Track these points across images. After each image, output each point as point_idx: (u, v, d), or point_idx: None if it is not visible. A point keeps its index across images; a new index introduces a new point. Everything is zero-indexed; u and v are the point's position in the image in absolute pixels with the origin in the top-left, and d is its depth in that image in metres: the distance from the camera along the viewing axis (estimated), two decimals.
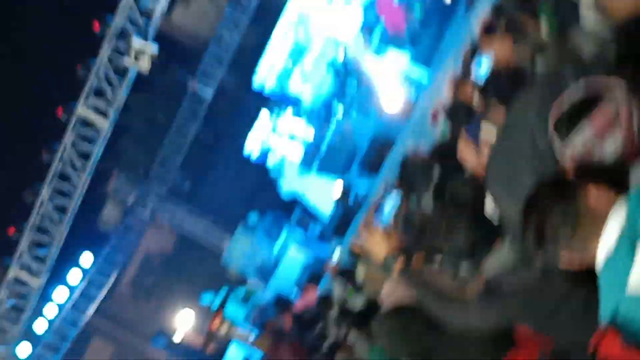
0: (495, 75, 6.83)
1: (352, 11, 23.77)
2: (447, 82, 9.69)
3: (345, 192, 18.15)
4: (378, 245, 5.28)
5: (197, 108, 26.54)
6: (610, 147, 3.35)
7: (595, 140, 3.37)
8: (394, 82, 20.71)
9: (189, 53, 26.70)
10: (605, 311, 2.94)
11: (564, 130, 3.43)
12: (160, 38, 21.03)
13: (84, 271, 26.73)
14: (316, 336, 10.10)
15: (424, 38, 20.41)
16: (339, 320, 8.91)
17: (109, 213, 28.96)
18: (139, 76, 20.61)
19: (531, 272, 4.36)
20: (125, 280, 30.04)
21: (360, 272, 7.60)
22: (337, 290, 9.46)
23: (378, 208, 5.32)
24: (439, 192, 5.74)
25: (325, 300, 10.28)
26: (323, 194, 22.03)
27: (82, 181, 21.51)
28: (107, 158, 26.90)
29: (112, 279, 27.96)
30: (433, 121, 9.47)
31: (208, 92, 26.21)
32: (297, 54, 25.28)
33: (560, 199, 3.14)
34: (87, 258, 26.70)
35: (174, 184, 27.68)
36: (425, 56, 20.01)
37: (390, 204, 5.20)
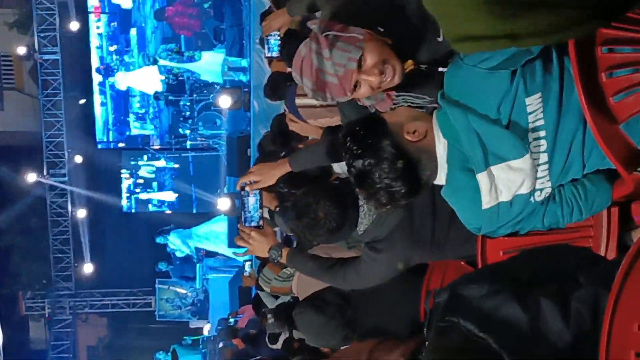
0: (285, 43, 7.02)
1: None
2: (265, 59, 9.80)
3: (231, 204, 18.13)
4: (258, 246, 5.36)
5: (61, 194, 26.22)
6: None
7: None
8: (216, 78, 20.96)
9: (28, 152, 26.31)
10: (470, 225, 3.40)
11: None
12: None
13: None
14: (268, 342, 10.12)
15: (227, 31, 20.61)
16: (277, 322, 9.02)
17: (35, 332, 28.65)
18: None
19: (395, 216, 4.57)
20: None
21: (265, 287, 7.73)
22: (265, 299, 9.53)
23: (244, 214, 5.36)
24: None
25: (259, 309, 10.36)
26: (214, 236, 22.24)
27: None
28: (5, 285, 26.61)
29: None
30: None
31: (63, 177, 25.92)
32: (123, 101, 25.31)
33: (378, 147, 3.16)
34: None
35: (77, 276, 27.37)
36: (237, 47, 20.18)
37: (252, 202, 5.25)
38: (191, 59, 23.24)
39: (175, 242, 23.93)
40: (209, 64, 22.19)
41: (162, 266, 25.14)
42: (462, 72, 3.04)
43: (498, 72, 2.94)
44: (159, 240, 24.23)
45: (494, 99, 2.99)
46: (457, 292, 2.54)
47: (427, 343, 2.56)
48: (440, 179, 3.25)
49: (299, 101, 5.35)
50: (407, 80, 3.72)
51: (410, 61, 3.71)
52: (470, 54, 2.99)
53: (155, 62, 23.91)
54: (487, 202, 3.17)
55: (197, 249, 23.75)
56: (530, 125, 3.01)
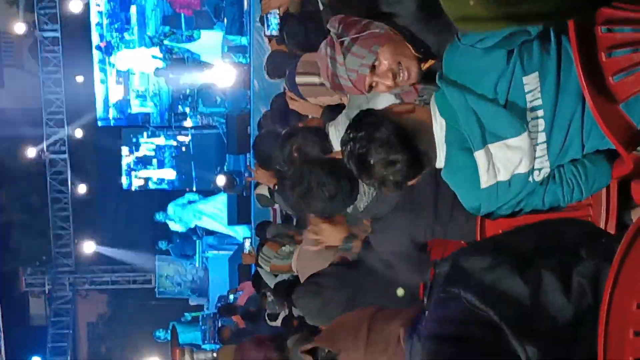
0: (284, 24, 7.04)
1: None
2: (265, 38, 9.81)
3: (230, 181, 18.15)
4: (330, 236, 5.35)
5: (61, 172, 26.18)
6: None
7: None
8: (216, 58, 20.89)
9: (28, 129, 26.26)
10: (470, 206, 3.39)
11: None
12: None
13: None
14: (268, 319, 10.16)
15: (227, 9, 20.54)
16: (277, 300, 9.07)
17: (35, 308, 28.74)
18: None
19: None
20: (81, 358, 29.82)
21: (265, 266, 7.74)
22: (264, 276, 9.57)
23: None
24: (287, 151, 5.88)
25: (259, 286, 10.40)
26: (214, 214, 22.23)
27: None
28: (5, 261, 26.63)
29: None
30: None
31: (62, 154, 25.88)
32: (124, 79, 25.24)
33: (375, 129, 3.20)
34: None
35: (77, 252, 27.39)
36: (237, 25, 20.11)
37: None
38: (190, 39, 23.20)
39: (175, 216, 23.89)
40: (209, 45, 22.07)
41: (163, 245, 25.16)
42: (460, 52, 3.07)
43: (494, 52, 2.97)
44: (158, 217, 24.23)
45: (490, 78, 3.01)
46: (459, 264, 2.55)
47: (427, 313, 2.58)
48: (440, 161, 3.26)
49: (299, 79, 5.35)
50: (432, 76, 3.75)
51: (431, 61, 3.77)
52: (468, 34, 3.01)
53: (160, 44, 23.80)
54: (485, 181, 3.18)
55: (197, 227, 23.76)
56: (529, 105, 3.02)
